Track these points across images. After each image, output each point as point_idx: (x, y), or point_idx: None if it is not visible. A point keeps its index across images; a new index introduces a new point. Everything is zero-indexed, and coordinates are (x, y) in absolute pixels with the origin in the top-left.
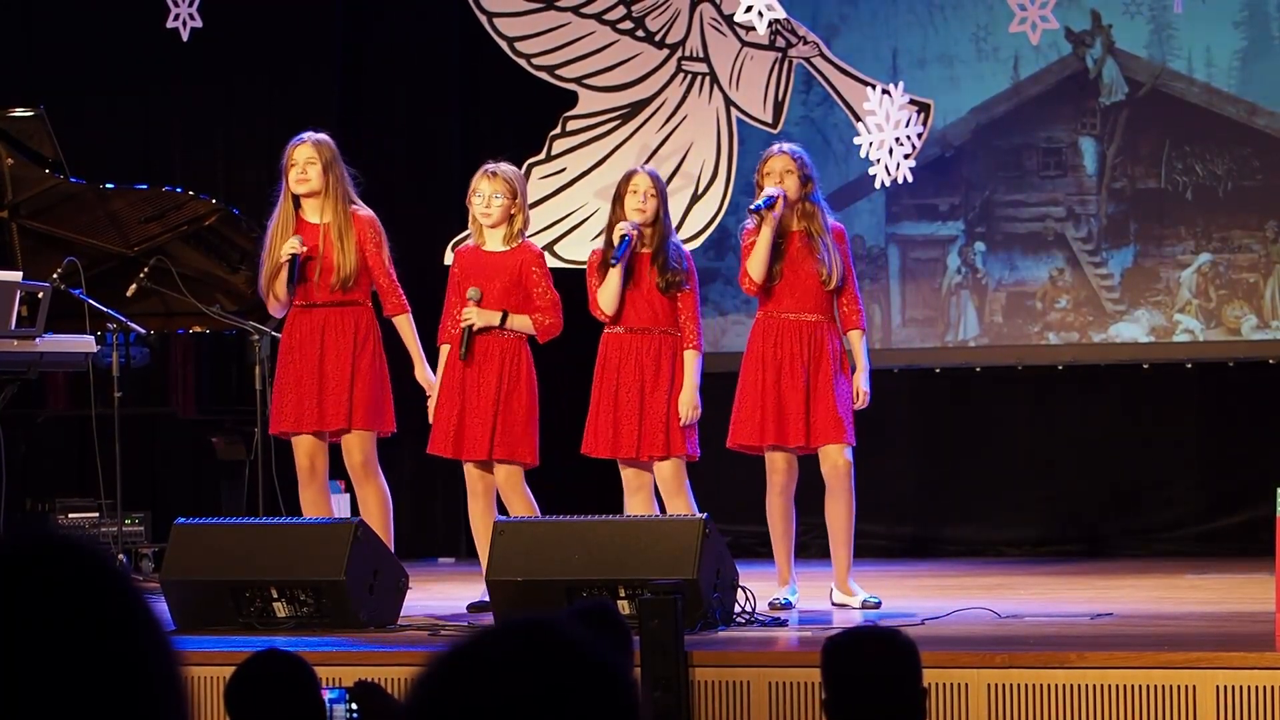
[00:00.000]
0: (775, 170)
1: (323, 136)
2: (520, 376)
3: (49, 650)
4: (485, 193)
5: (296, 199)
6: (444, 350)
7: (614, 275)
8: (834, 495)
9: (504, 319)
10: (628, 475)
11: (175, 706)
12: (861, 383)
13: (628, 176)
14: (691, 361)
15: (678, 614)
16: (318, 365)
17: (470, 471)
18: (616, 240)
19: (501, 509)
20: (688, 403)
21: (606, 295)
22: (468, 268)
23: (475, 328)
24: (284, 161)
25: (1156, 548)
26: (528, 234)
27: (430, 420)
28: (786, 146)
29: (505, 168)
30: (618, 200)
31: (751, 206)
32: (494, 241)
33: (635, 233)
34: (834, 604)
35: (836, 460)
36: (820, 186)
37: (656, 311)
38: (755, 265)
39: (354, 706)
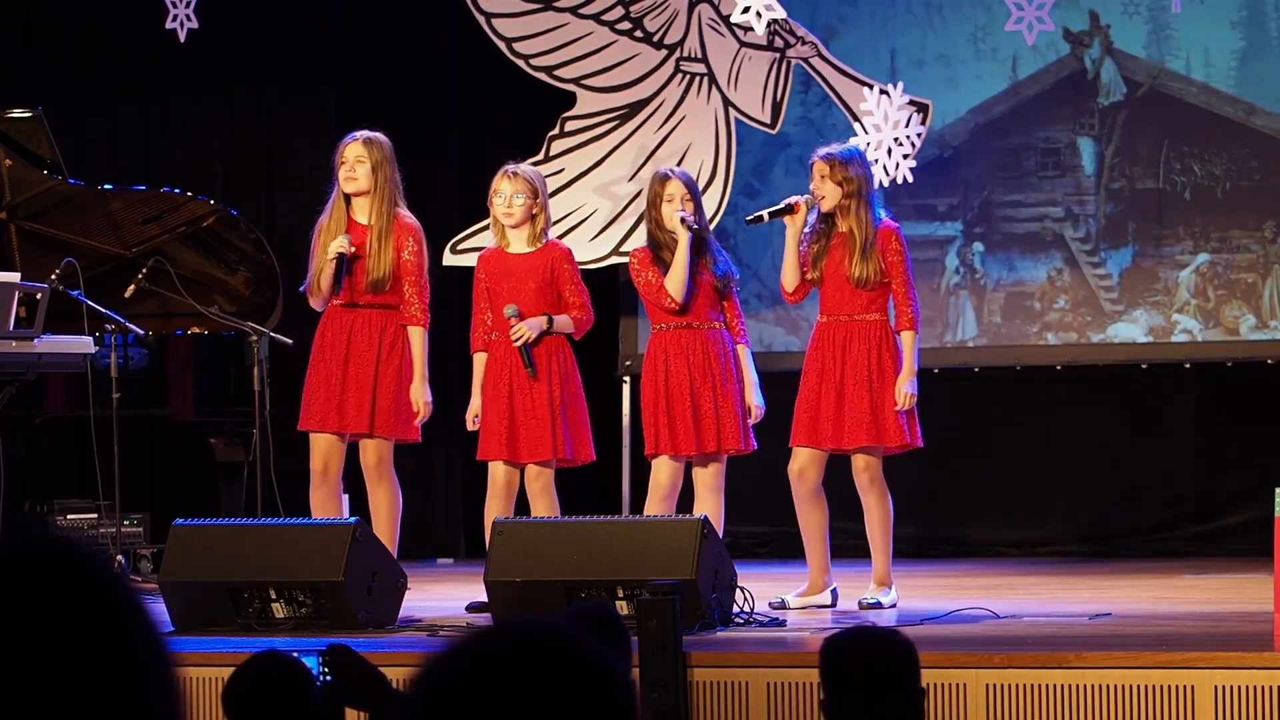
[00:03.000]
0: (814, 177)
1: (377, 136)
2: (570, 374)
3: (42, 651)
4: (506, 193)
5: (348, 197)
6: (479, 359)
7: (680, 259)
8: (862, 498)
9: (550, 323)
10: (665, 477)
11: (169, 707)
12: (905, 385)
13: (661, 182)
14: (747, 356)
15: (676, 614)
16: (343, 366)
17: (497, 471)
18: (684, 231)
19: (519, 509)
20: (757, 399)
21: (677, 281)
22: (496, 273)
23: (530, 342)
24: (335, 158)
25: (1155, 548)
26: (550, 233)
27: (471, 428)
28: (822, 151)
29: (526, 168)
30: (653, 204)
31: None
32: (519, 243)
33: (691, 219)
34: (860, 605)
35: (855, 465)
36: (871, 183)
37: (711, 308)
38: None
39: (326, 671)
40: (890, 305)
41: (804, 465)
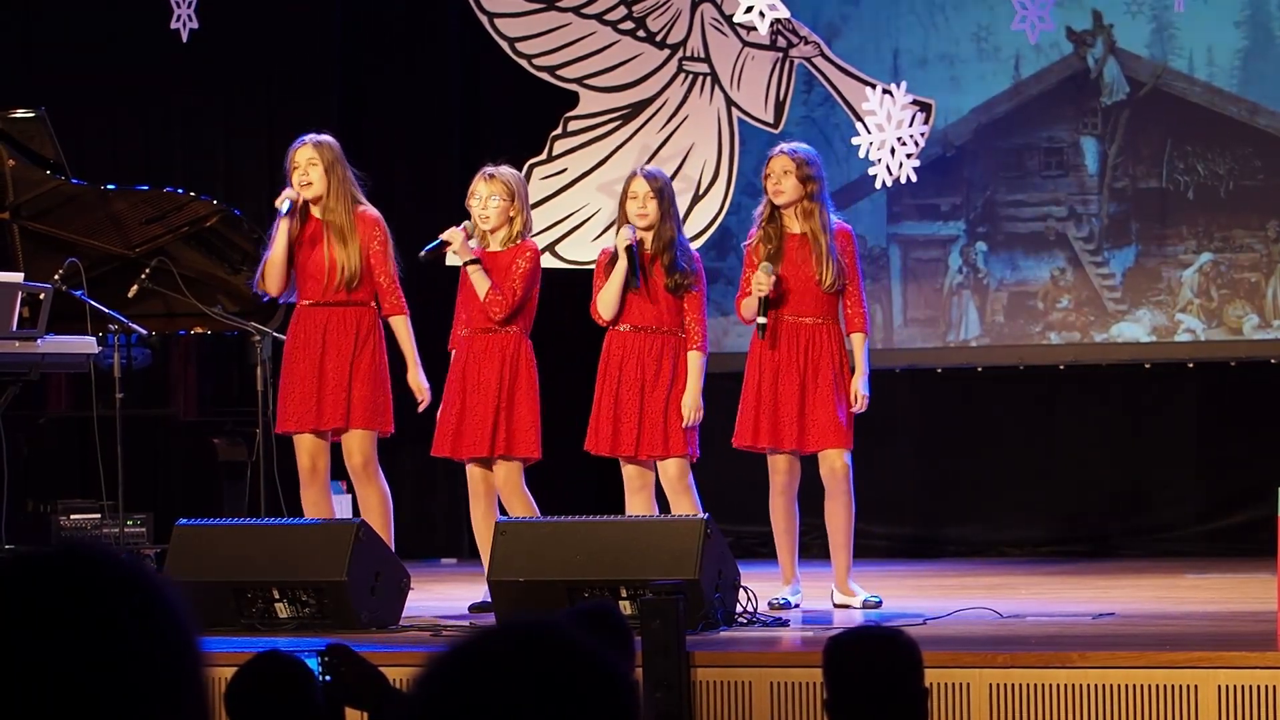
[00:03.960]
0: (774, 171)
1: (324, 138)
2: (520, 372)
3: (42, 651)
4: (482, 195)
5: (306, 203)
6: (455, 355)
7: (615, 280)
8: (832, 498)
9: (473, 263)
10: (629, 474)
11: (187, 709)
12: (860, 386)
13: (628, 180)
14: (695, 362)
15: (679, 614)
16: (318, 364)
17: (472, 473)
18: (624, 254)
19: (503, 510)
20: (690, 404)
21: (606, 299)
22: None
23: (449, 249)
24: (287, 164)
25: (1158, 547)
26: (529, 235)
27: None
28: (786, 147)
29: (504, 170)
30: (621, 203)
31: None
32: (495, 245)
33: (634, 239)
34: (835, 605)
35: (834, 464)
36: (827, 186)
37: (661, 312)
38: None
39: (326, 671)
40: (839, 310)
41: (794, 466)
